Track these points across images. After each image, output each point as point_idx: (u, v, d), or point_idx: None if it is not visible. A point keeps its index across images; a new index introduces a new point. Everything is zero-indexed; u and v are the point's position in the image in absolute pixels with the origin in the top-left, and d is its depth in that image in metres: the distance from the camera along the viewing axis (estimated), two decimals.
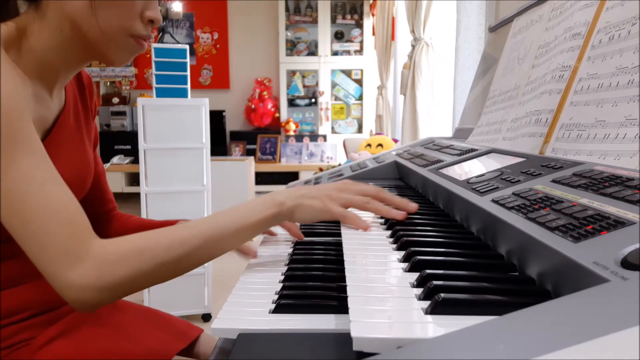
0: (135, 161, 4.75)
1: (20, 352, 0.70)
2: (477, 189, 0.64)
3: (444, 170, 0.85)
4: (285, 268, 0.65)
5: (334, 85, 5.53)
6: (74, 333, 0.75)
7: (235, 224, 0.63)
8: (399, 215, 0.69)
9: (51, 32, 0.68)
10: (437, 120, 3.07)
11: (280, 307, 0.49)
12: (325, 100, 5.46)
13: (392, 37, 4.23)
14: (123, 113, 5.17)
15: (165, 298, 2.20)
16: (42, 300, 0.75)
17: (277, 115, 5.46)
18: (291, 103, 5.56)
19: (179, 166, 2.16)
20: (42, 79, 0.71)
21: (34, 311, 0.74)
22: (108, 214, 0.97)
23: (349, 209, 0.68)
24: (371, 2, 5.14)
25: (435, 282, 0.42)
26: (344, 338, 0.39)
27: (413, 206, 0.71)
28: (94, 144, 0.90)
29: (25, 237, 0.56)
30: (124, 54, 0.71)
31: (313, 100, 5.56)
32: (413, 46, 3.14)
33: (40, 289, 0.74)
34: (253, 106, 5.37)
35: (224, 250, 0.64)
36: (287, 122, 5.37)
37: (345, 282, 0.46)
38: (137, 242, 0.60)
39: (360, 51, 5.45)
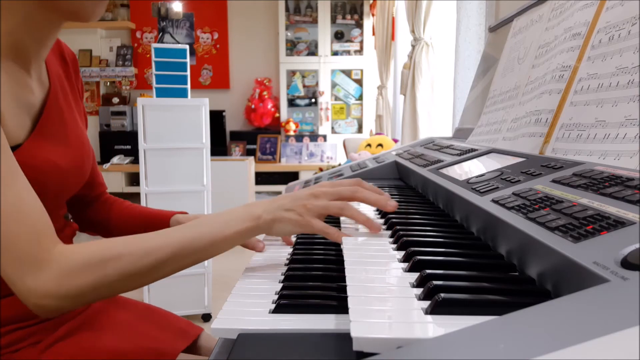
0: (135, 161, 4.75)
1: (25, 352, 0.70)
2: (477, 189, 0.64)
3: (444, 170, 0.85)
4: (285, 268, 0.65)
5: (334, 85, 5.53)
6: (79, 334, 0.75)
7: (208, 237, 0.61)
8: (374, 227, 0.65)
9: (12, 8, 0.64)
10: (437, 120, 3.06)
11: (280, 307, 0.49)
12: (325, 100, 5.46)
13: (392, 37, 4.23)
14: (123, 113, 5.17)
15: (165, 298, 2.20)
16: None
17: (277, 115, 5.46)
18: (291, 103, 5.56)
19: (179, 166, 2.16)
20: (17, 61, 0.67)
21: (40, 318, 0.74)
22: (100, 197, 0.96)
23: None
24: (371, 2, 5.14)
25: (435, 282, 0.42)
26: (344, 338, 0.39)
27: (392, 204, 0.67)
28: (85, 125, 0.87)
29: None
30: (89, 2, 0.66)
31: (313, 100, 5.56)
32: (413, 46, 3.14)
33: None
34: (253, 106, 5.37)
35: (196, 261, 0.63)
36: (287, 122, 5.36)
37: (345, 282, 0.46)
38: (101, 250, 0.58)
39: (360, 51, 5.45)
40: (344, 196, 0.66)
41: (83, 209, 0.94)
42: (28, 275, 0.54)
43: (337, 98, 5.56)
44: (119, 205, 0.96)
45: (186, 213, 0.93)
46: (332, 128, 5.53)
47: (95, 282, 0.56)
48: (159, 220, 0.91)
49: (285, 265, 0.66)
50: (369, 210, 0.82)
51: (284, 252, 0.73)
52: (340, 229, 0.66)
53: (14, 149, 0.65)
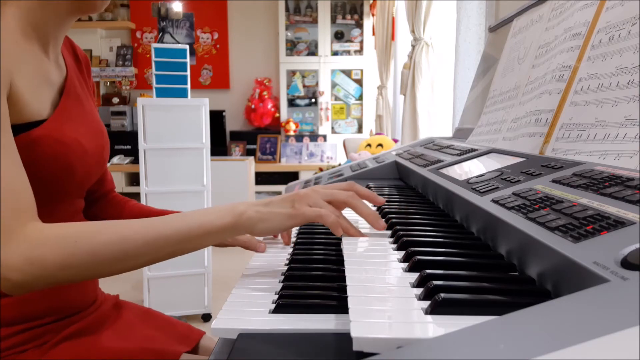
0: (135, 161, 4.75)
1: (30, 353, 0.70)
2: (477, 189, 0.64)
3: (444, 170, 0.85)
4: (286, 268, 0.65)
5: (334, 85, 5.53)
6: (83, 336, 0.75)
7: (184, 230, 0.59)
8: (378, 224, 0.64)
9: None
10: (437, 120, 3.06)
11: (280, 307, 0.49)
12: (325, 100, 5.46)
13: (392, 37, 4.23)
14: (123, 113, 5.17)
15: (165, 298, 2.20)
16: (55, 308, 0.75)
17: (277, 115, 5.46)
18: (291, 103, 5.56)
19: (179, 166, 2.16)
20: (36, 41, 0.70)
21: (49, 319, 0.74)
22: (107, 195, 0.96)
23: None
24: (371, 2, 5.14)
25: (435, 282, 0.42)
26: (344, 338, 0.39)
27: (381, 224, 0.66)
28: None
29: None
30: None
31: (313, 100, 5.56)
32: (413, 46, 3.14)
33: (52, 297, 0.74)
34: (253, 106, 5.37)
35: (170, 255, 0.60)
36: (287, 122, 5.36)
37: (345, 282, 0.46)
38: (75, 229, 0.58)
39: (360, 51, 5.45)
40: (337, 200, 0.64)
41: (91, 205, 0.94)
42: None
43: (337, 98, 5.56)
44: (124, 203, 0.96)
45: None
46: (332, 128, 5.53)
47: (62, 260, 0.55)
48: None
49: (285, 265, 0.66)
50: None
51: (284, 253, 0.73)
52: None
53: (39, 123, 0.67)
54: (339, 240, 0.70)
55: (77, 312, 0.78)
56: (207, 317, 2.31)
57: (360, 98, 5.52)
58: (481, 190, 0.63)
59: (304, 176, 4.72)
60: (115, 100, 5.37)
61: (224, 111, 5.39)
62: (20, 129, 0.64)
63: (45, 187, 0.68)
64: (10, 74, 0.62)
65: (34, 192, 0.61)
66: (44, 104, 0.69)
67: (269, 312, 0.49)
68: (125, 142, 5.12)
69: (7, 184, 0.56)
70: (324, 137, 5.36)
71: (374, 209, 0.81)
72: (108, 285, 0.93)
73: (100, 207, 0.94)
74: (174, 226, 0.59)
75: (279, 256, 0.71)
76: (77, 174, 0.72)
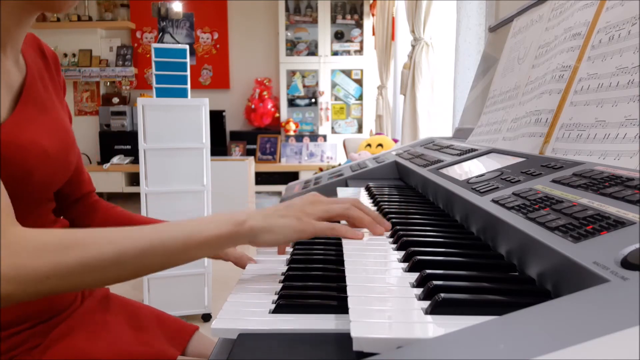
0: (135, 161, 4.75)
1: (24, 356, 0.70)
2: (477, 189, 0.64)
3: (444, 170, 0.85)
4: (286, 268, 0.65)
5: (334, 85, 5.53)
6: (74, 335, 0.75)
7: (181, 238, 0.55)
8: (380, 231, 0.64)
9: None
10: (437, 120, 3.06)
11: (280, 307, 0.49)
12: (325, 100, 5.46)
13: (392, 37, 4.23)
14: (123, 113, 5.17)
15: (165, 298, 2.20)
16: (44, 309, 0.74)
17: (277, 115, 5.46)
18: (291, 103, 5.56)
19: (179, 166, 2.16)
20: None
21: (37, 320, 0.73)
22: (87, 199, 0.91)
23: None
24: (371, 2, 5.14)
25: (435, 282, 0.42)
26: (344, 338, 0.39)
27: (387, 225, 0.65)
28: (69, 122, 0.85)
29: None
30: None
31: (313, 100, 5.56)
32: (413, 46, 3.14)
33: (32, 302, 0.72)
34: (253, 106, 5.37)
35: (165, 265, 0.56)
36: (287, 122, 5.37)
37: (345, 282, 0.46)
38: (63, 235, 0.53)
39: (360, 51, 5.45)
40: (335, 212, 0.62)
41: (71, 211, 0.90)
42: None
43: (337, 98, 5.56)
44: (110, 209, 0.92)
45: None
46: (332, 128, 5.53)
47: (52, 269, 0.50)
48: None
49: (286, 265, 0.66)
50: None
51: (284, 253, 0.73)
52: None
53: None
54: (339, 240, 0.70)
55: (60, 312, 0.77)
56: (207, 317, 2.31)
57: (360, 98, 5.52)
58: (481, 190, 0.63)
59: (304, 176, 4.72)
60: (115, 100, 5.37)
61: (224, 111, 5.39)
62: None
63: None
64: None
65: None
66: (1, 107, 0.67)
67: (269, 312, 0.49)
68: (125, 142, 5.12)
69: None
70: (324, 137, 5.36)
71: (374, 209, 0.80)
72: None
73: (83, 213, 0.90)
74: (170, 235, 0.56)
75: (278, 256, 0.71)
76: (36, 177, 0.69)
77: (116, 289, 1.04)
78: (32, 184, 0.70)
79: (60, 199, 0.87)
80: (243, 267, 0.71)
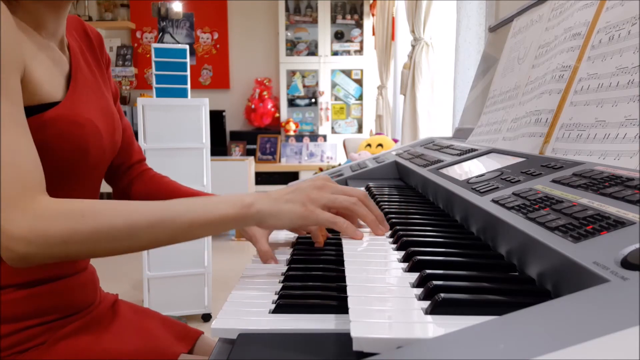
0: None
1: (30, 352, 0.70)
2: (477, 189, 0.64)
3: (444, 170, 0.85)
4: (286, 268, 0.65)
5: (334, 85, 5.53)
6: (82, 335, 0.75)
7: (189, 215, 0.59)
8: (381, 231, 0.64)
9: None
10: (437, 120, 3.06)
11: (280, 307, 0.49)
12: (325, 100, 5.45)
13: (392, 37, 4.23)
14: (123, 113, 5.17)
15: (165, 298, 2.20)
16: (57, 307, 0.75)
17: (277, 115, 5.46)
18: (291, 103, 5.56)
19: (179, 166, 2.16)
20: (39, 30, 0.71)
21: (51, 316, 0.74)
22: (137, 167, 0.96)
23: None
24: (371, 2, 5.14)
25: (435, 282, 0.42)
26: (344, 338, 0.39)
27: (387, 226, 0.66)
28: (114, 97, 0.91)
29: None
30: None
31: (313, 100, 5.56)
32: (413, 46, 3.14)
33: (55, 296, 0.74)
34: (253, 106, 5.37)
35: (173, 240, 0.60)
36: (287, 122, 5.36)
37: (345, 282, 0.46)
38: (82, 204, 0.58)
39: (360, 51, 5.45)
40: (341, 205, 0.63)
41: (123, 180, 0.95)
42: (5, 216, 0.54)
43: (337, 98, 5.56)
44: (165, 181, 0.96)
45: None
46: (332, 128, 5.53)
47: (67, 233, 0.56)
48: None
49: (286, 265, 0.66)
50: None
51: (284, 253, 0.73)
52: (340, 234, 0.63)
53: (54, 104, 0.68)
54: (339, 240, 0.70)
55: (78, 311, 0.78)
56: (207, 317, 2.31)
57: (360, 98, 5.52)
58: (481, 190, 0.63)
59: (304, 176, 4.72)
60: None
61: (224, 111, 5.39)
62: (32, 111, 0.65)
63: (60, 169, 0.70)
64: (23, 57, 0.63)
65: (49, 174, 0.62)
66: (56, 87, 0.71)
67: (269, 312, 0.49)
68: None
69: (12, 157, 0.57)
70: (324, 137, 5.36)
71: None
72: (108, 285, 0.93)
73: (132, 180, 0.94)
74: (180, 211, 0.59)
75: (278, 257, 0.71)
76: (92, 154, 0.73)
77: (117, 288, 1.04)
78: (88, 160, 0.74)
79: (114, 167, 0.93)
80: (264, 262, 0.71)
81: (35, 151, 0.60)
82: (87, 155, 0.73)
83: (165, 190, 0.94)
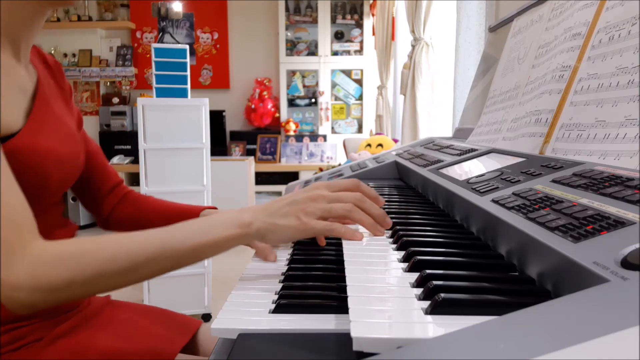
0: (135, 161, 4.74)
1: (26, 350, 0.70)
2: (477, 189, 0.64)
3: (444, 170, 0.85)
4: (286, 268, 0.65)
5: (334, 85, 5.53)
6: (79, 332, 0.75)
7: (190, 241, 0.58)
8: (381, 232, 0.64)
9: None
10: (437, 120, 3.06)
11: (280, 307, 0.49)
12: (325, 100, 5.45)
13: (392, 37, 4.23)
14: (123, 113, 5.17)
15: (165, 298, 2.20)
16: (51, 308, 0.75)
17: (277, 115, 5.46)
18: (291, 103, 5.56)
19: (179, 166, 2.16)
20: (8, 44, 0.69)
21: (42, 318, 0.74)
22: (117, 191, 0.94)
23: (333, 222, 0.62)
24: (371, 2, 5.14)
25: (435, 282, 0.42)
26: (344, 338, 0.39)
27: (388, 222, 0.66)
28: (79, 125, 0.88)
29: None
30: None
31: (313, 100, 5.56)
32: (413, 46, 3.14)
33: None
34: (253, 106, 5.37)
35: (177, 266, 0.59)
36: (287, 122, 5.36)
37: (345, 282, 0.46)
38: (78, 246, 0.57)
39: (360, 51, 5.45)
40: (337, 213, 0.62)
41: (100, 202, 0.93)
42: (4, 266, 0.53)
43: (337, 98, 5.56)
44: (142, 200, 0.94)
45: (215, 208, 0.91)
46: (332, 128, 5.53)
47: (70, 277, 0.54)
48: (188, 216, 0.88)
49: (286, 265, 0.66)
50: None
51: (284, 253, 0.73)
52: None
53: (13, 135, 0.66)
54: (339, 240, 0.70)
55: (67, 311, 0.78)
56: (207, 317, 2.31)
57: (360, 98, 5.52)
58: (481, 190, 0.63)
59: (304, 176, 4.72)
60: (115, 100, 5.37)
61: (224, 111, 5.39)
62: None
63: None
64: None
65: None
66: (17, 114, 0.68)
67: (269, 312, 0.49)
68: (125, 142, 5.12)
69: (6, 204, 0.55)
70: (324, 137, 5.36)
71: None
72: None
73: (116, 204, 0.93)
74: (179, 238, 0.58)
75: (278, 257, 0.71)
76: (53, 181, 0.72)
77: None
78: (48, 189, 0.72)
79: (92, 193, 0.91)
80: (265, 259, 0.71)
81: (21, 193, 0.58)
82: (49, 183, 0.71)
83: (154, 209, 0.92)
